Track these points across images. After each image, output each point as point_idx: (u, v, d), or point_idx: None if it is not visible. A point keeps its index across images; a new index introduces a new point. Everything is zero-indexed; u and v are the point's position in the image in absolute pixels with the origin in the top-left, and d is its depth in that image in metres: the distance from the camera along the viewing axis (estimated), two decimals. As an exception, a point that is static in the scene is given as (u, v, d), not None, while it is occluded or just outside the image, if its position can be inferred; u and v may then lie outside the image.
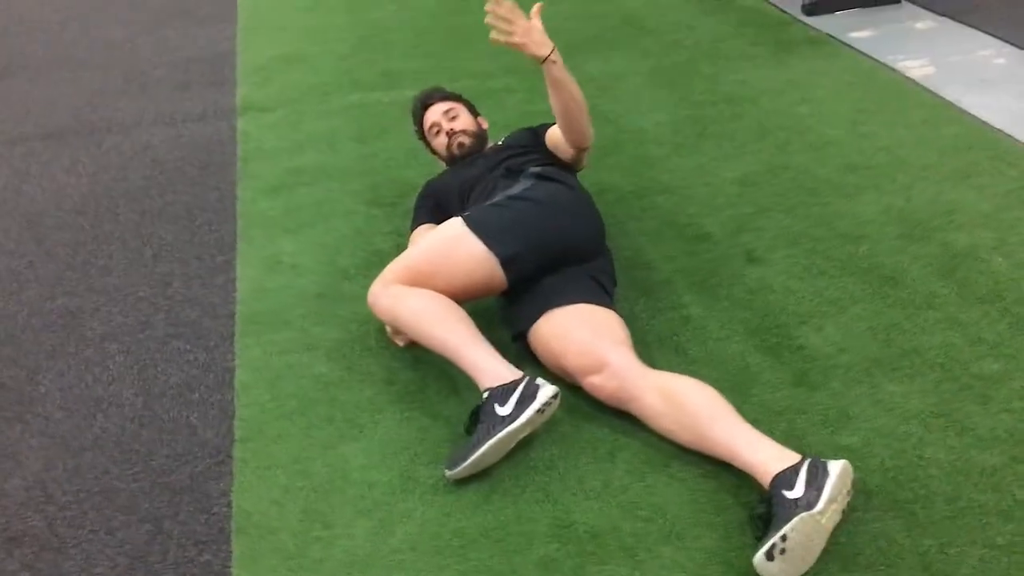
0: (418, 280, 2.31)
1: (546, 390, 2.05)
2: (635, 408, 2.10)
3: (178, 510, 2.01)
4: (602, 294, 2.37)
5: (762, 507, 1.83)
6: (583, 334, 2.21)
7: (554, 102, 2.52)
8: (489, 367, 2.12)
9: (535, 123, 3.06)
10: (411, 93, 4.07)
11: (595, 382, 2.14)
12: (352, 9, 5.39)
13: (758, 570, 1.73)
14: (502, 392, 2.04)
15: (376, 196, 3.26)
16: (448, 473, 2.01)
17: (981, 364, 2.25)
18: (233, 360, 2.47)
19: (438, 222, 2.75)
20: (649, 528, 1.88)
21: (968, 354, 2.28)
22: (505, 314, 2.44)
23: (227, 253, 2.98)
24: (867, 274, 2.62)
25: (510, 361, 2.16)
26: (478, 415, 2.06)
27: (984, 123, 3.46)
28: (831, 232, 2.83)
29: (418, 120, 3.05)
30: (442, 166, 3.05)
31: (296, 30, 5.15)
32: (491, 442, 1.98)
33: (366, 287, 2.68)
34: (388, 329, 2.47)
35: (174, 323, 2.65)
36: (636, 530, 1.88)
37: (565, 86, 2.47)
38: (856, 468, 1.96)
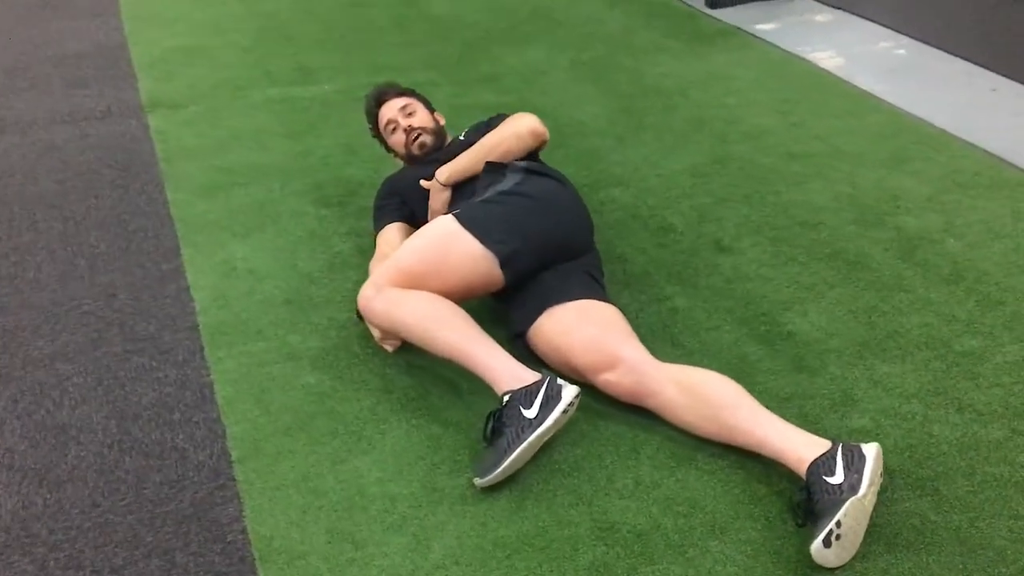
0: (412, 282, 2.22)
1: (569, 389, 2.00)
2: (654, 403, 2.08)
3: (188, 540, 1.85)
4: (599, 289, 2.34)
5: (801, 494, 1.84)
6: (590, 330, 2.17)
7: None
8: (506, 370, 2.05)
9: (468, 117, 3.00)
10: (330, 88, 3.99)
11: (610, 379, 2.10)
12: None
13: (815, 558, 1.73)
14: (525, 394, 1.98)
15: (322, 196, 3.11)
16: (479, 482, 1.93)
17: (962, 341, 2.35)
18: (208, 375, 2.30)
19: (408, 221, 2.67)
20: (691, 523, 1.87)
21: (947, 332, 2.38)
22: (501, 314, 2.36)
23: (172, 260, 2.78)
24: (833, 259, 2.69)
25: (512, 361, 2.11)
26: (499, 420, 1.99)
27: (902, 111, 3.63)
28: (790, 220, 2.90)
29: (373, 118, 2.93)
30: (396, 164, 2.94)
31: (188, 21, 4.89)
32: (522, 447, 1.92)
33: (335, 291, 2.59)
34: (376, 334, 2.36)
35: (131, 338, 2.45)
36: (679, 526, 1.86)
37: (478, 164, 2.52)
38: (871, 447, 2.02)
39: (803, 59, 4.15)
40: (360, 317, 2.40)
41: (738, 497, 1.93)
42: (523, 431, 1.93)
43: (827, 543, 1.72)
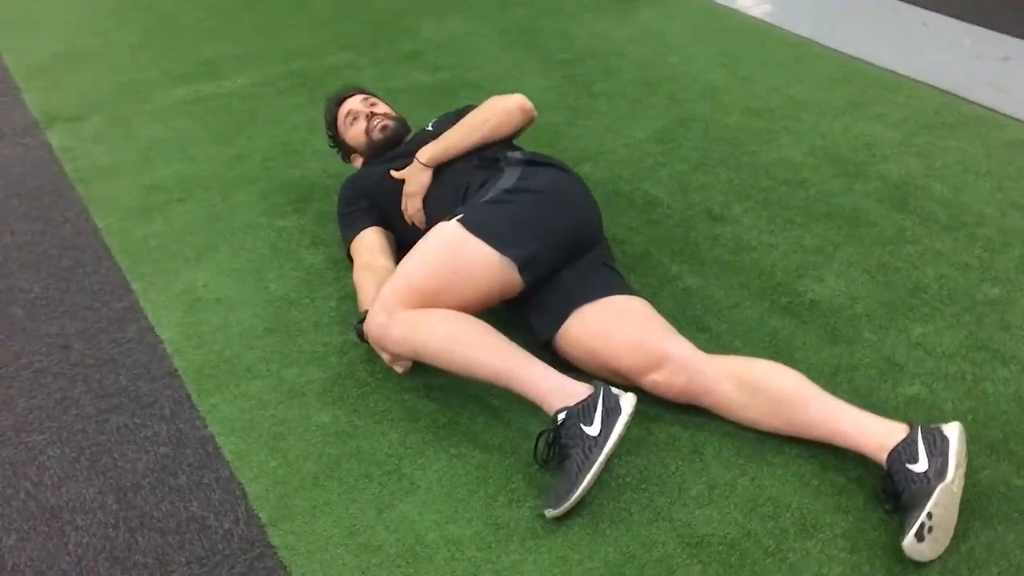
0: (427, 300, 2.01)
1: (627, 398, 1.85)
2: (709, 401, 1.95)
3: (239, 628, 1.63)
4: (621, 281, 2.19)
5: (886, 483, 1.75)
6: (629, 330, 2.02)
7: None
8: (554, 385, 1.88)
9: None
10: (243, 81, 3.68)
11: (658, 380, 1.96)
12: (118, -8, 4.72)
13: (909, 554, 1.65)
14: (583, 410, 1.81)
15: (273, 205, 2.84)
16: (552, 513, 1.76)
17: (982, 290, 2.31)
18: (205, 426, 2.05)
19: (381, 224, 2.45)
20: (781, 525, 1.75)
21: (965, 283, 2.34)
22: (511, 319, 2.17)
23: (123, 297, 2.47)
24: (831, 218, 2.62)
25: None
26: (559, 441, 1.82)
27: (845, 54, 3.59)
28: (774, 180, 2.80)
29: (331, 118, 2.67)
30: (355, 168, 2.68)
31: (61, 22, 4.43)
32: (594, 468, 1.76)
33: (320, 312, 2.36)
34: (385, 356, 2.14)
35: (101, 394, 2.16)
36: (769, 530, 1.75)
37: (464, 142, 2.36)
38: (934, 417, 1.95)
39: (731, 9, 4.07)
40: (362, 339, 2.18)
41: (818, 489, 1.82)
42: (590, 451, 1.77)
43: (920, 537, 1.64)
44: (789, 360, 2.12)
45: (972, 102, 3.17)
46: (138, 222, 2.79)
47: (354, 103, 2.65)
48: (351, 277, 2.42)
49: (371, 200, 2.49)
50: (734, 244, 2.54)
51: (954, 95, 3.23)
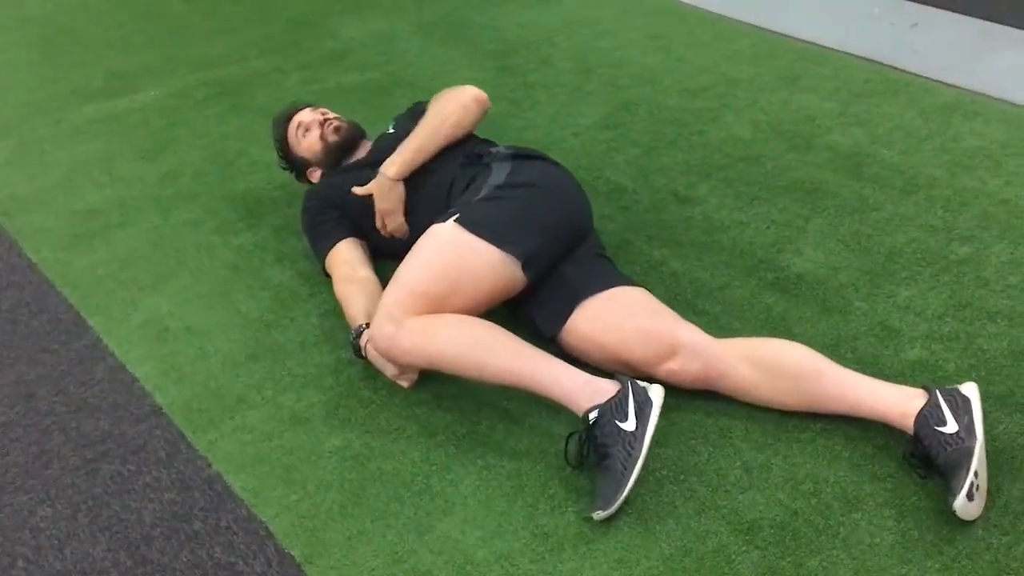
0: (432, 305, 1.94)
1: (655, 389, 1.83)
2: (726, 385, 1.95)
3: (300, 677, 1.53)
4: (620, 271, 2.17)
5: (915, 448, 1.79)
6: (638, 320, 1.99)
7: None
8: (581, 384, 1.84)
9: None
10: (158, 93, 3.49)
11: (674, 368, 1.94)
12: (-1, 6, 4.40)
13: (960, 514, 1.67)
14: (615, 407, 1.78)
15: (222, 222, 2.69)
16: (601, 514, 1.72)
17: (953, 250, 2.38)
18: (209, 465, 1.92)
19: (358, 234, 2.36)
20: (824, 501, 1.76)
21: (935, 244, 2.41)
22: (521, 318, 2.12)
23: (82, 335, 2.30)
24: (793, 191, 2.66)
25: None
26: (592, 440, 1.78)
27: (764, 29, 3.65)
28: (729, 158, 2.83)
29: (281, 137, 2.56)
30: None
31: (-63, 42, 4.10)
32: (639, 464, 1.72)
33: (303, 331, 2.26)
34: (389, 371, 2.06)
35: (84, 443, 2.00)
36: (815, 507, 1.75)
37: (427, 146, 2.28)
38: (940, 378, 2.01)
39: (647, -9, 4.08)
40: (359, 355, 2.09)
41: (850, 461, 1.84)
42: (632, 447, 1.74)
43: (971, 496, 1.67)
44: (789, 335, 2.15)
45: (898, 68, 3.28)
46: (77, 252, 2.60)
47: (303, 115, 2.55)
48: (329, 292, 2.32)
49: (340, 211, 2.39)
50: (707, 224, 2.55)
51: (879, 63, 3.33)
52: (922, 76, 3.23)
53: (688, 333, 1.96)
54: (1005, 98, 3.05)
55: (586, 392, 1.82)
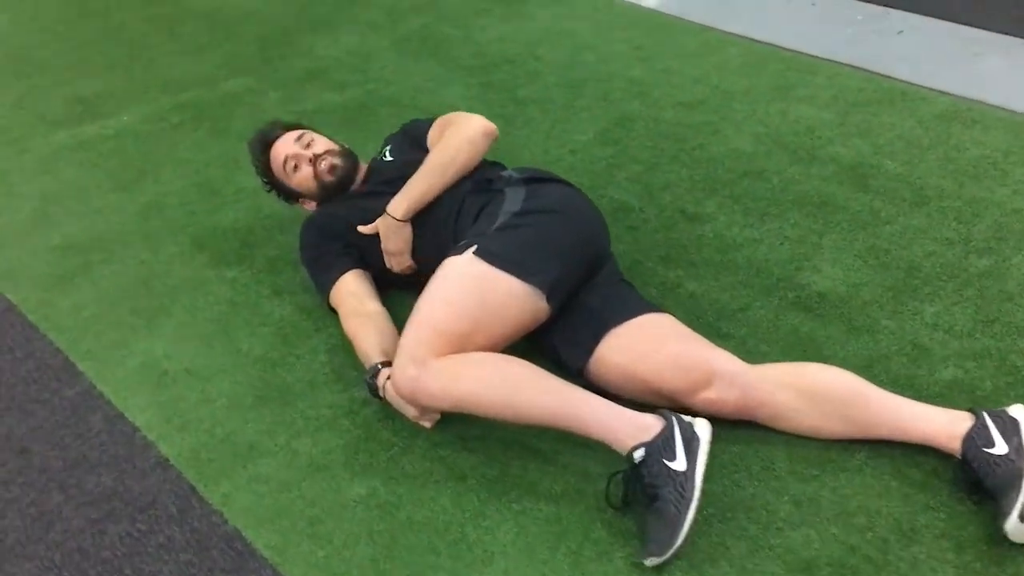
0: (456, 344, 1.84)
1: (701, 424, 1.75)
2: (765, 413, 1.87)
3: None
4: (643, 297, 2.09)
5: (965, 472, 1.73)
6: (670, 348, 1.91)
7: None
8: (624, 421, 1.75)
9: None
10: (129, 118, 3.35)
11: (711, 397, 1.87)
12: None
13: (1013, 536, 1.63)
14: (663, 445, 1.70)
15: (214, 254, 2.56)
16: (654, 561, 1.64)
17: (972, 263, 2.34)
18: (224, 522, 1.80)
19: (363, 265, 2.25)
20: (880, 534, 1.70)
21: (953, 257, 2.36)
22: (544, 351, 2.03)
23: (73, 382, 2.16)
24: (802, 205, 2.60)
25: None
26: (639, 480, 1.69)
27: (750, 39, 3.61)
28: (733, 173, 2.77)
29: (262, 165, 2.41)
30: (305, 212, 2.44)
31: None
32: (694, 504, 1.64)
33: (311, 370, 2.15)
34: (410, 412, 1.95)
35: (86, 501, 1.86)
36: (870, 542, 1.69)
37: (436, 186, 2.17)
38: (978, 398, 1.96)
39: (627, 2, 4.01)
40: (376, 395, 1.99)
41: (900, 490, 1.78)
42: (684, 488, 1.66)
43: (1023, 517, 1.62)
44: (819, 357, 2.09)
45: (890, 77, 3.25)
46: (59, 292, 2.46)
47: (287, 147, 2.37)
48: (335, 326, 2.22)
49: (341, 241, 2.28)
50: (719, 243, 2.48)
51: (870, 71, 3.30)
52: (914, 84, 3.20)
53: (724, 361, 1.89)
54: (1000, 104, 3.03)
55: (629, 429, 1.74)
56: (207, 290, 2.42)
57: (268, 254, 2.55)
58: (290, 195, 2.43)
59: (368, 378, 1.99)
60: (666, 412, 1.76)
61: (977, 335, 2.12)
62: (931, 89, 3.16)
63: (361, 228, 2.21)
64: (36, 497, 1.87)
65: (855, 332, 2.15)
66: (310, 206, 2.44)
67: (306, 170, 2.35)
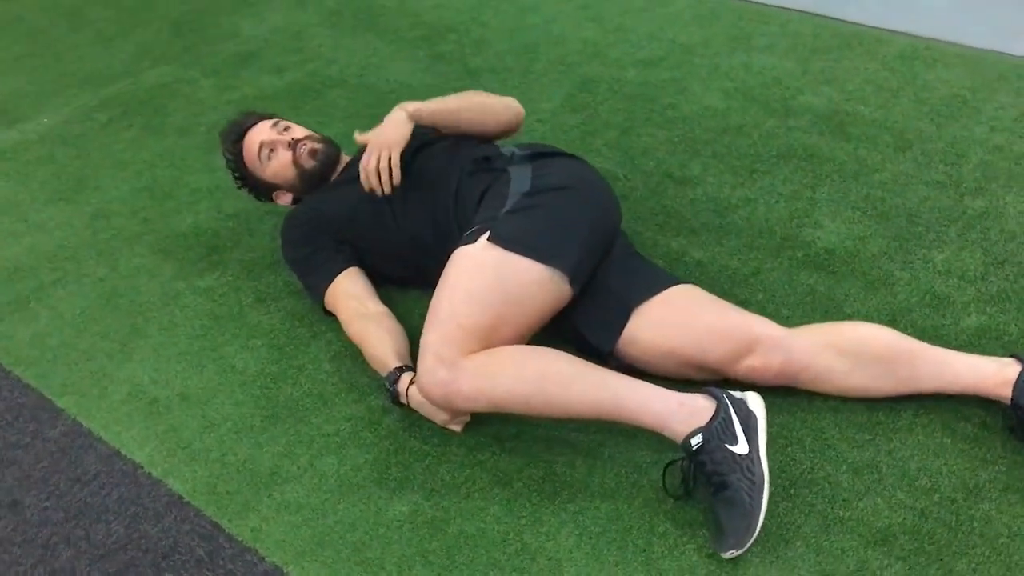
0: (484, 340, 1.73)
1: (753, 399, 1.69)
2: (809, 377, 1.82)
3: None
4: (662, 269, 2.01)
5: (1015, 416, 1.72)
6: (706, 319, 1.84)
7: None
8: (675, 405, 1.66)
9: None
10: (50, 121, 3.10)
11: (754, 364, 1.80)
12: None
13: None
14: (721, 428, 1.62)
15: (180, 265, 2.37)
16: (734, 554, 1.56)
17: (968, 205, 2.33)
18: (261, 559, 1.65)
19: (358, 261, 2.11)
20: (947, 494, 1.67)
21: (948, 200, 2.35)
22: (567, 334, 1.92)
23: (55, 421, 1.96)
24: (788, 159, 2.55)
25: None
26: (701, 468, 1.62)
27: (696, -10, 3.53)
28: (711, 131, 2.70)
29: (237, 156, 2.24)
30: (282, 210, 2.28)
31: None
32: (766, 490, 1.58)
33: (319, 382, 2.02)
34: (440, 417, 1.83)
35: (99, 554, 1.69)
36: (939, 503, 1.65)
37: (452, 110, 2.06)
38: (1007, 343, 1.95)
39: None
40: (398, 404, 1.86)
41: (954, 446, 1.75)
42: (751, 472, 1.59)
43: (1081, 456, 1.62)
44: (842, 316, 2.05)
45: (842, 20, 3.22)
46: (15, 321, 2.24)
47: (263, 133, 2.22)
48: (333, 331, 2.10)
49: (335, 235, 2.12)
50: (714, 205, 2.41)
51: (821, 16, 3.27)
52: (867, 26, 3.18)
53: (764, 326, 1.82)
54: (954, 41, 3.04)
55: (681, 414, 1.65)
56: (182, 304, 2.23)
57: (240, 258, 2.37)
58: (264, 189, 2.26)
59: (388, 385, 1.86)
60: (715, 391, 1.68)
61: (990, 278, 2.11)
62: (884, 30, 3.15)
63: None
64: (42, 556, 1.69)
65: (871, 287, 2.12)
66: (285, 199, 2.27)
67: (283, 156, 2.19)
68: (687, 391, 1.70)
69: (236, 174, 2.27)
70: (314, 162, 2.19)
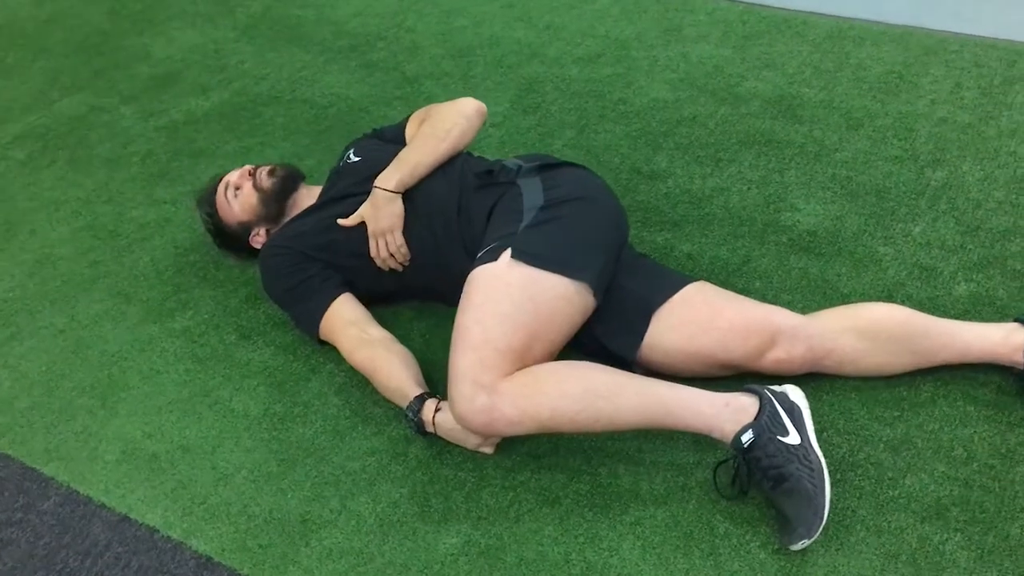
0: (519, 360, 1.68)
1: (793, 391, 1.70)
2: (832, 361, 1.84)
3: None
4: (671, 268, 1.99)
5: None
6: (725, 316, 1.83)
7: None
8: (720, 405, 1.65)
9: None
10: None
11: (780, 356, 1.80)
12: None
13: None
14: (769, 422, 1.62)
15: (146, 306, 2.22)
16: (805, 543, 1.56)
17: (928, 176, 2.41)
18: (314, 613, 1.56)
19: (349, 285, 2.03)
20: (985, 461, 1.71)
21: (909, 175, 2.42)
22: (586, 346, 1.88)
23: (45, 492, 1.80)
24: (749, 146, 2.58)
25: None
26: (756, 464, 1.61)
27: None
28: (668, 124, 2.71)
29: (209, 215, 2.22)
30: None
31: None
32: (827, 474, 1.59)
33: (330, 418, 1.95)
34: (471, 441, 1.77)
35: (130, 631, 1.56)
36: (979, 471, 1.70)
37: (431, 157, 2.02)
38: (999, 308, 2.02)
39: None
40: (423, 433, 1.79)
41: (977, 413, 1.80)
42: (808, 460, 1.59)
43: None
44: (839, 296, 2.09)
45: (764, 6, 3.28)
46: (-28, 384, 2.04)
47: (229, 177, 2.20)
48: (333, 362, 2.03)
49: (323, 259, 2.03)
50: (688, 197, 2.42)
51: (745, 2, 3.32)
52: (789, 9, 3.25)
53: (783, 317, 1.83)
54: (876, 20, 3.14)
55: (728, 414, 1.65)
56: (159, 349, 2.09)
57: (211, 294, 2.23)
58: (241, 234, 2.18)
59: (412, 415, 1.78)
60: (755, 387, 1.68)
61: (969, 246, 2.19)
62: (807, 12, 3.22)
63: (342, 220, 2.00)
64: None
65: (860, 265, 2.16)
66: (260, 239, 2.17)
67: (246, 187, 2.16)
68: (726, 391, 1.69)
69: (214, 234, 2.23)
70: (272, 179, 2.16)
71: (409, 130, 2.13)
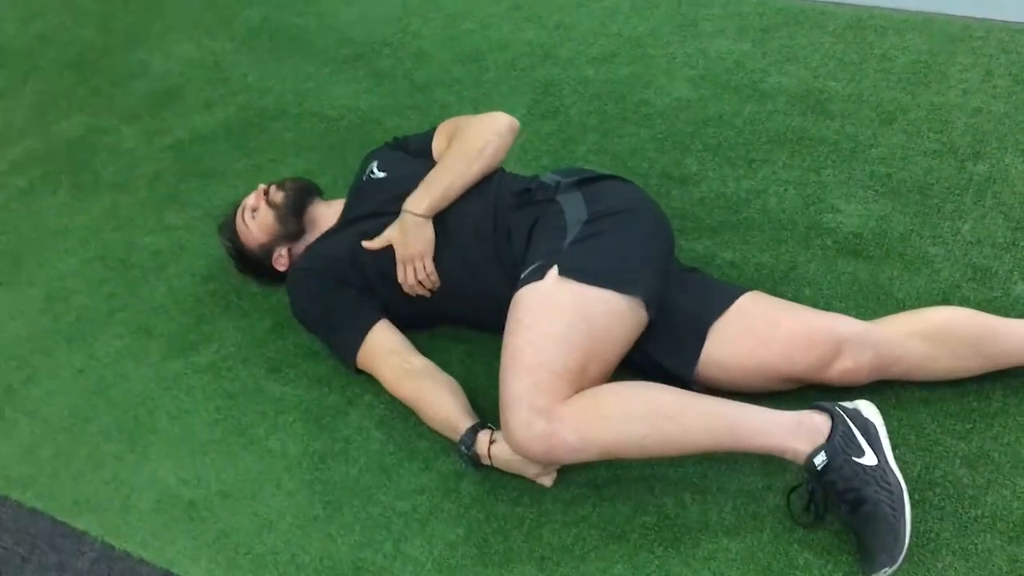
0: (576, 382, 1.61)
1: (866, 407, 1.62)
2: (900, 368, 1.76)
3: None
4: (720, 280, 1.91)
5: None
6: (786, 327, 1.75)
7: None
8: (791, 426, 1.57)
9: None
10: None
11: (847, 366, 1.72)
12: None
13: None
14: (844, 442, 1.54)
15: (170, 342, 2.12)
16: (888, 571, 1.49)
17: (969, 170, 2.32)
18: (378, 670, 1.47)
19: (383, 310, 1.93)
20: (1063, 472, 1.64)
21: (951, 168, 2.34)
22: (640, 365, 1.80)
23: (79, 548, 1.71)
24: (780, 145, 2.50)
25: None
26: (831, 487, 1.53)
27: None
28: (694, 124, 2.62)
29: (231, 240, 2.14)
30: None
31: None
32: (907, 498, 1.51)
33: (375, 453, 1.88)
34: (531, 471, 1.69)
35: None
36: (1061, 484, 1.63)
37: (463, 178, 1.91)
38: (1059, 307, 1.95)
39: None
40: (476, 464, 1.70)
41: (1052, 416, 1.73)
42: (887, 483, 1.52)
43: None
44: (893, 301, 2.02)
45: (780, -4, 3.20)
46: (-10, 435, 1.94)
47: (247, 202, 2.12)
48: (373, 393, 1.95)
49: (355, 285, 1.94)
50: (724, 202, 2.33)
51: (756, -7, 3.24)
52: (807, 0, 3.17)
53: (847, 324, 1.76)
54: (895, 7, 3.06)
55: (800, 434, 1.56)
56: (186, 386, 1.99)
57: (235, 324, 2.14)
58: (262, 257, 2.08)
59: (465, 448, 1.69)
60: (825, 405, 1.60)
61: (1021, 243, 2.11)
62: (823, 2, 3.13)
63: (367, 243, 1.91)
64: None
65: (911, 267, 2.08)
66: (284, 259, 2.07)
67: (262, 208, 2.06)
68: (788, 408, 1.61)
69: (236, 258, 2.15)
70: (283, 192, 2.09)
71: (437, 143, 2.04)
